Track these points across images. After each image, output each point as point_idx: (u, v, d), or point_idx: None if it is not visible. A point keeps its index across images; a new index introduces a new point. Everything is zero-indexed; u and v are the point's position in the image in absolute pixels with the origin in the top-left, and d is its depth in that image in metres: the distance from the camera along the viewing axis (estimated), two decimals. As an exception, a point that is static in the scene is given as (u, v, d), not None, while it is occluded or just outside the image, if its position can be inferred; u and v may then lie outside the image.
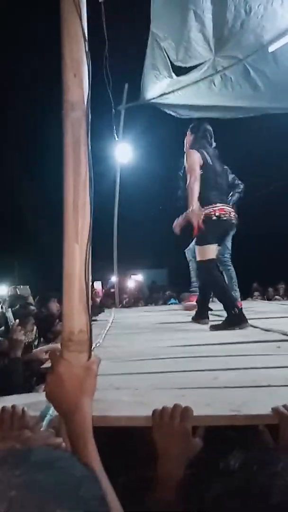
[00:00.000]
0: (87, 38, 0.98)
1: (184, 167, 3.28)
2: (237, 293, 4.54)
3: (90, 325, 1.02)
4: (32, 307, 5.61)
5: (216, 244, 3.16)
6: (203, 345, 2.16)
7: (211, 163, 3.14)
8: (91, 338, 1.01)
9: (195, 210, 3.01)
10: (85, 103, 1.00)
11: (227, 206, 3.14)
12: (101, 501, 0.51)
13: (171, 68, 4.41)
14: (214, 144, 3.35)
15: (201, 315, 3.31)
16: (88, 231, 0.98)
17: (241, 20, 3.75)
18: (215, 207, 3.04)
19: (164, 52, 4.20)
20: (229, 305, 2.91)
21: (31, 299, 6.85)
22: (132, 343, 2.44)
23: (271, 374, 1.51)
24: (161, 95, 5.14)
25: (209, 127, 3.42)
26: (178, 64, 4.34)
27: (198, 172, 3.08)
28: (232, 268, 4.69)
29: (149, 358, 1.87)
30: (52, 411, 1.07)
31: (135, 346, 2.32)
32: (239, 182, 4.92)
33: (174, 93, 5.06)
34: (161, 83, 4.76)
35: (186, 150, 3.28)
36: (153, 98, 5.27)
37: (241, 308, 2.99)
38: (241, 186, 4.92)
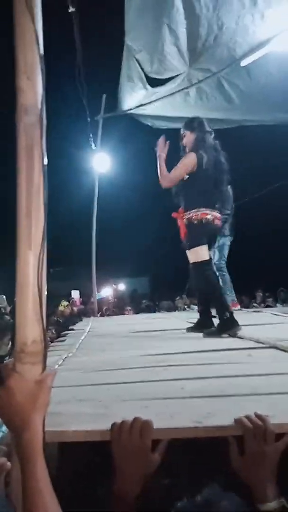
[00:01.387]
0: (39, 41, 0.96)
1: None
2: (230, 297, 4.78)
3: (45, 336, 0.98)
4: (7, 317, 5.47)
5: (207, 245, 3.08)
6: (174, 353, 2.13)
7: (204, 167, 3.05)
8: (46, 350, 0.97)
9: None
10: (39, 107, 0.97)
11: (211, 211, 3.06)
12: None
13: (145, 80, 4.47)
14: (213, 134, 3.24)
15: (204, 325, 3.09)
16: (42, 238, 0.95)
17: (214, 34, 3.85)
18: (198, 211, 3.02)
19: (139, 64, 4.25)
20: (222, 309, 2.89)
21: (7, 309, 6.69)
22: (105, 353, 2.39)
23: (239, 384, 1.49)
24: (138, 106, 5.20)
25: (202, 119, 3.29)
26: (152, 76, 4.40)
27: (181, 175, 3.08)
28: (227, 274, 4.98)
29: (118, 368, 1.83)
30: (5, 428, 1.02)
31: (106, 356, 2.27)
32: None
33: (151, 104, 5.12)
34: (137, 94, 4.81)
35: (188, 151, 3.15)
36: (130, 109, 5.32)
37: (232, 312, 2.94)
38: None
